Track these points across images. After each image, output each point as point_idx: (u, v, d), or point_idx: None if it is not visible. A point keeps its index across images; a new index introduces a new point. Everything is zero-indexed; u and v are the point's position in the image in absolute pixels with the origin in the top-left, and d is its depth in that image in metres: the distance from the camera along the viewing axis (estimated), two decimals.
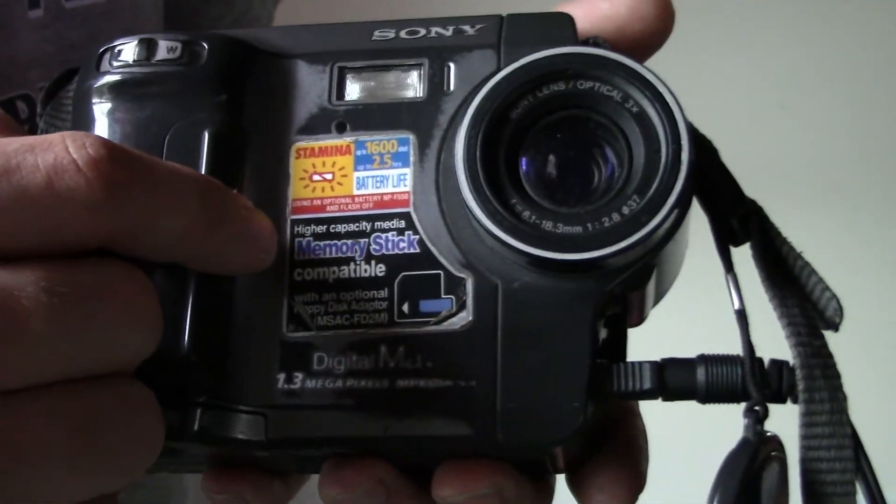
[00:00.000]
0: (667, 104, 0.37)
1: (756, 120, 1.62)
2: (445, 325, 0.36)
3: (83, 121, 0.38)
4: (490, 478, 0.37)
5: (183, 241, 0.34)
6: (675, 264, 0.40)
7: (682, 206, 0.36)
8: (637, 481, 0.39)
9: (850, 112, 1.63)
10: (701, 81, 1.60)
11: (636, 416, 0.41)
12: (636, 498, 0.39)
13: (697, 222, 0.39)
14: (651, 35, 0.40)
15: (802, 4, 1.65)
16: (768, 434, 0.36)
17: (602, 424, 0.40)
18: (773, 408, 0.37)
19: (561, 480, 0.41)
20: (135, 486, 0.35)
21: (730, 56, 1.64)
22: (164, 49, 0.38)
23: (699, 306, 0.38)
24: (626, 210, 0.36)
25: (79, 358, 0.31)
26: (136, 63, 0.38)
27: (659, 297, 0.40)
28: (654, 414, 0.44)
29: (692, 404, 0.39)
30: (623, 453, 0.39)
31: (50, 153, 0.31)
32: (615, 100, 0.37)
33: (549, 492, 0.41)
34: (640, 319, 0.40)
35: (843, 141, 1.63)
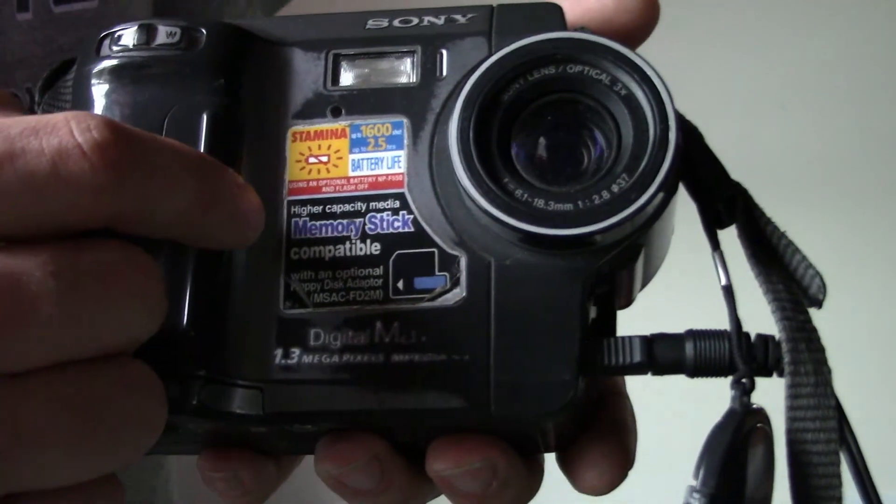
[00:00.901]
0: (654, 86, 0.38)
1: (756, 120, 1.63)
2: (439, 302, 0.37)
3: (83, 103, 0.39)
4: (483, 452, 0.37)
5: (182, 220, 0.34)
6: (662, 248, 0.41)
7: (670, 185, 0.37)
8: (625, 458, 0.40)
9: (851, 112, 1.64)
10: (701, 81, 1.62)
11: (624, 396, 0.42)
12: (625, 474, 0.40)
13: (684, 207, 0.40)
14: (636, 27, 0.41)
15: (803, 4, 1.67)
16: (755, 406, 0.37)
17: (591, 404, 0.40)
18: (760, 382, 0.38)
19: (551, 465, 0.42)
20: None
21: (730, 56, 1.66)
22: (163, 34, 0.39)
23: (689, 288, 0.39)
24: (615, 188, 0.37)
25: (84, 340, 0.32)
26: (136, 47, 0.39)
27: (646, 279, 0.41)
28: (645, 394, 0.45)
29: (681, 384, 0.40)
30: (611, 432, 0.40)
31: (54, 137, 0.31)
32: (604, 83, 0.38)
33: (540, 470, 0.41)
34: (628, 301, 0.41)
35: (843, 140, 1.64)
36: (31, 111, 0.42)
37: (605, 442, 0.40)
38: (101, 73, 0.39)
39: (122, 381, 0.33)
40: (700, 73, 1.63)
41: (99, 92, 0.39)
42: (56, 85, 0.42)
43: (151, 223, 0.33)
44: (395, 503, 0.40)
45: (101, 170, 0.31)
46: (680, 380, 0.39)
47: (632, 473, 0.40)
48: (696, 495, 0.34)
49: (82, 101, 0.39)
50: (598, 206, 0.37)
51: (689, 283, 0.38)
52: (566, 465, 0.40)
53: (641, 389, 0.43)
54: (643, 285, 0.41)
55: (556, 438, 0.40)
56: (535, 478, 0.41)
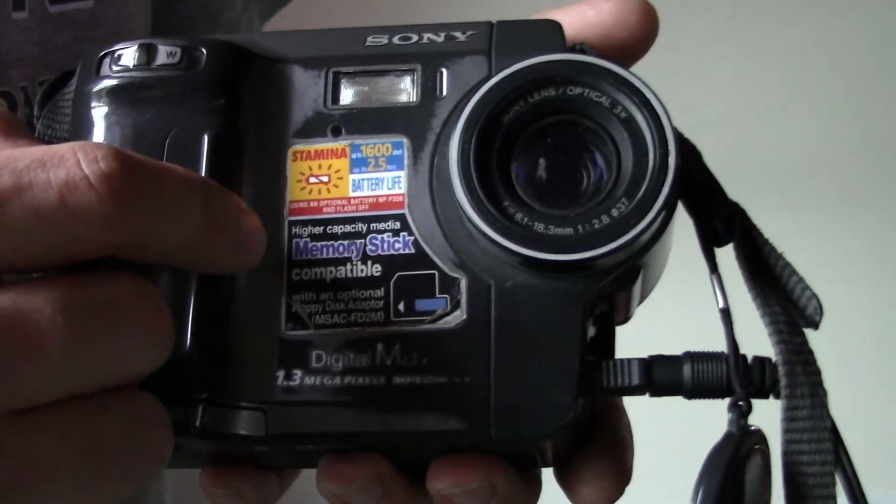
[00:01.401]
0: (654, 110, 0.38)
1: (756, 120, 1.64)
2: (440, 324, 0.37)
3: (83, 124, 0.39)
4: (483, 471, 0.38)
5: (187, 246, 0.34)
6: (660, 264, 0.41)
7: (669, 209, 0.37)
8: (623, 474, 0.40)
9: (851, 113, 1.64)
10: (701, 82, 1.63)
11: (621, 411, 0.43)
12: (622, 490, 0.40)
13: (682, 225, 0.40)
14: (635, 42, 0.41)
15: (803, 5, 1.67)
16: (752, 428, 0.37)
17: (589, 420, 0.41)
18: (758, 404, 0.38)
19: (548, 475, 0.42)
20: None
21: (730, 57, 1.66)
22: (163, 54, 0.39)
23: (686, 307, 0.40)
24: (615, 212, 0.37)
25: (91, 376, 0.32)
26: (136, 68, 0.39)
27: (644, 295, 0.42)
28: (642, 410, 0.45)
29: (679, 402, 0.40)
30: (609, 447, 0.41)
31: (62, 169, 0.31)
32: (604, 105, 0.38)
33: (538, 484, 0.42)
34: (626, 318, 0.42)
35: (843, 142, 1.65)
36: (28, 110, 0.42)
37: (602, 458, 0.40)
38: (100, 93, 0.39)
39: (129, 414, 0.33)
40: (700, 75, 1.63)
41: (99, 113, 0.39)
42: (55, 98, 0.42)
43: (157, 250, 0.34)
44: None
45: (109, 200, 0.31)
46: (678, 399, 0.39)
47: (629, 489, 0.41)
48: None
49: (82, 121, 0.39)
50: (598, 231, 0.37)
51: (687, 298, 0.39)
52: (564, 481, 0.41)
53: (640, 402, 0.43)
54: (641, 301, 0.42)
55: (553, 454, 0.40)
56: (532, 492, 0.41)
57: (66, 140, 0.40)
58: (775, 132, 1.64)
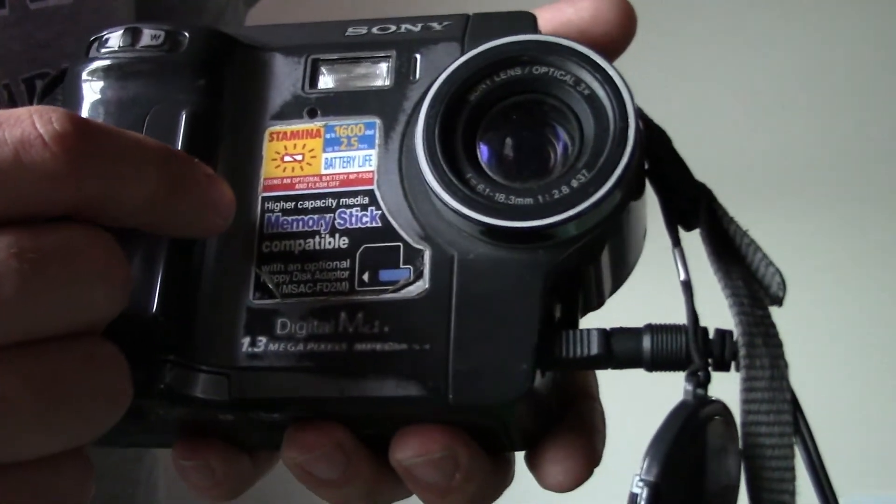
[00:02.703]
0: (616, 86, 0.39)
1: (756, 120, 1.63)
2: (403, 293, 0.38)
3: (73, 102, 0.41)
4: (445, 441, 0.38)
5: (145, 209, 0.35)
6: (632, 250, 0.41)
7: (629, 180, 0.38)
8: (591, 457, 0.40)
9: (851, 112, 1.64)
10: (702, 82, 1.63)
11: (594, 400, 0.43)
12: (590, 472, 0.40)
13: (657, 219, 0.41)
14: (613, 38, 0.42)
15: (803, 5, 1.67)
16: (711, 398, 0.37)
17: (556, 403, 0.41)
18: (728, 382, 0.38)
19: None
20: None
21: (730, 56, 1.66)
22: (147, 36, 0.41)
23: (664, 289, 0.40)
24: (574, 183, 0.38)
25: (47, 319, 0.33)
26: (122, 49, 0.41)
27: (617, 281, 0.42)
28: (618, 402, 0.45)
29: (662, 393, 0.40)
30: (578, 430, 0.41)
31: (17, 128, 0.33)
32: (568, 83, 0.39)
33: (508, 470, 0.42)
34: (599, 302, 0.42)
35: (843, 140, 1.63)
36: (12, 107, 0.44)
37: (570, 439, 0.40)
38: (88, 73, 0.41)
39: (87, 357, 0.34)
40: (700, 74, 1.63)
41: (87, 91, 0.41)
42: (54, 93, 0.44)
43: (115, 211, 0.35)
44: (361, 496, 0.40)
45: (62, 158, 0.32)
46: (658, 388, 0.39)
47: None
48: (640, 483, 0.35)
49: (72, 100, 0.41)
50: (557, 200, 0.37)
51: (665, 285, 0.39)
52: (532, 463, 0.41)
53: (617, 388, 0.43)
54: (614, 286, 0.42)
55: (521, 436, 0.40)
56: (501, 476, 0.41)
57: None
58: (775, 132, 1.63)
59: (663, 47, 1.55)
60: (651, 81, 1.55)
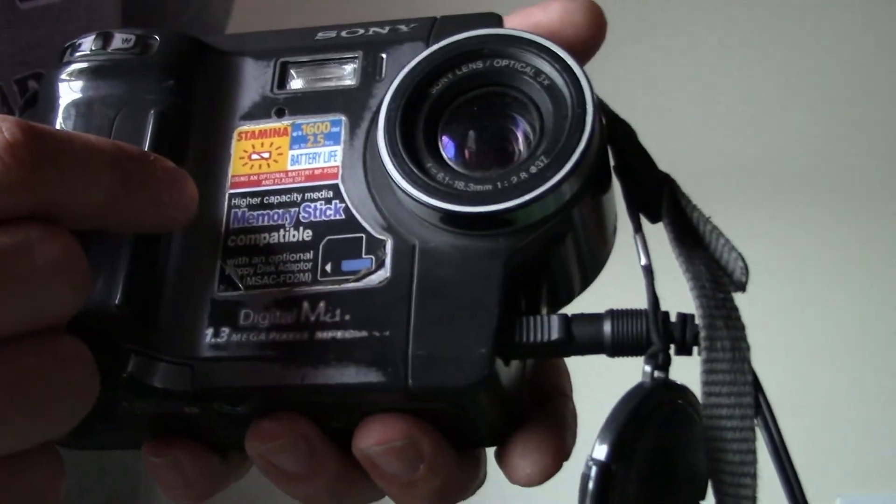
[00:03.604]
0: (574, 75, 0.39)
1: (756, 120, 1.62)
2: (364, 282, 0.38)
3: (48, 105, 0.42)
4: (407, 430, 0.38)
5: (102, 210, 0.36)
6: (598, 244, 0.41)
7: (590, 167, 0.38)
8: (560, 451, 0.40)
9: (850, 111, 1.63)
10: (701, 82, 1.62)
11: (566, 397, 0.42)
12: (558, 466, 0.40)
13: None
14: (583, 41, 0.42)
15: (803, 4, 1.67)
16: (676, 383, 0.37)
17: (529, 401, 0.41)
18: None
19: None
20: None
21: (730, 56, 1.65)
22: (118, 40, 0.42)
23: (635, 290, 0.40)
24: (533, 169, 0.38)
25: (6, 318, 0.33)
26: (94, 52, 0.42)
27: (585, 276, 0.42)
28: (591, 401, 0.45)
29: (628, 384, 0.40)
30: (547, 425, 0.40)
31: None
32: (528, 75, 0.40)
33: (477, 467, 0.41)
34: (567, 297, 0.42)
35: (843, 140, 1.62)
36: (6, 108, 0.45)
37: (539, 433, 0.40)
38: (63, 76, 0.42)
39: (52, 353, 0.34)
40: (700, 73, 1.63)
41: (61, 93, 0.42)
42: (36, 107, 0.45)
43: (73, 214, 0.35)
44: (328, 492, 0.40)
45: (13, 167, 0.33)
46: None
47: None
48: (589, 463, 0.34)
49: (48, 103, 0.42)
50: (515, 185, 0.38)
51: (637, 278, 0.39)
52: (500, 457, 0.40)
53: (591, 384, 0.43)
54: (583, 282, 0.42)
55: (489, 429, 0.40)
56: (469, 473, 0.41)
57: None
58: (775, 132, 1.62)
59: (664, 47, 1.57)
60: (652, 81, 1.56)
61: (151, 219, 0.37)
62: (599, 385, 0.39)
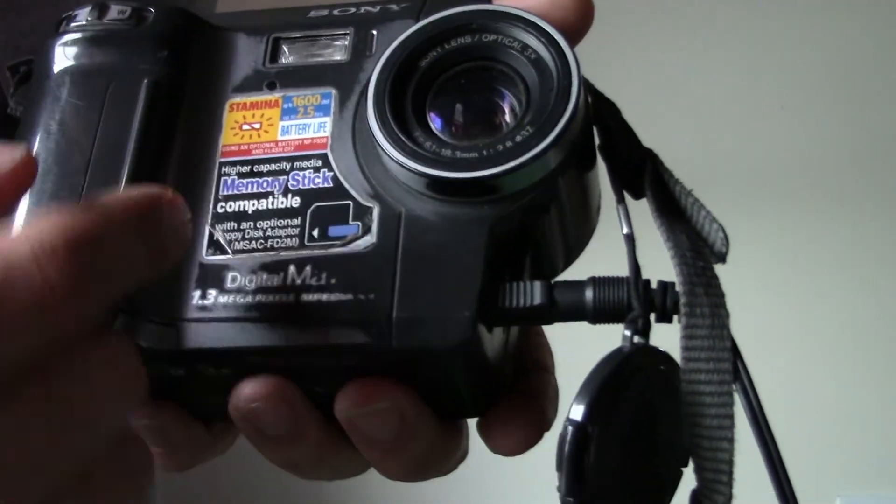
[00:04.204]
0: (561, 49, 0.40)
1: (756, 120, 1.63)
2: (350, 247, 0.39)
3: (43, 72, 0.43)
4: (389, 393, 0.38)
5: (146, 276, 0.35)
6: (583, 218, 0.42)
7: (575, 140, 0.39)
8: (541, 422, 0.40)
9: (850, 112, 1.63)
10: (701, 82, 1.63)
11: (549, 373, 0.43)
12: (539, 437, 0.40)
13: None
14: (571, 23, 0.43)
15: (802, 5, 1.67)
16: (657, 349, 0.37)
17: (512, 375, 0.41)
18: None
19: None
20: None
21: (730, 56, 1.66)
22: (114, 11, 0.43)
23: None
24: (518, 138, 0.39)
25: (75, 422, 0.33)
26: (89, 23, 0.43)
27: (569, 252, 0.42)
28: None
29: None
30: (530, 398, 0.41)
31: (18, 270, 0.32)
32: (516, 49, 0.40)
33: (459, 438, 0.42)
34: (551, 271, 0.42)
35: (842, 140, 1.62)
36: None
37: (520, 405, 0.40)
38: (59, 45, 0.43)
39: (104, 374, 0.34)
40: (700, 73, 1.63)
41: (55, 60, 0.42)
42: (30, 82, 0.46)
43: (122, 292, 0.34)
44: (308, 456, 0.40)
45: (64, 292, 0.32)
46: None
47: None
48: (567, 425, 0.35)
49: (42, 71, 0.43)
50: (500, 153, 0.38)
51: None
52: (482, 427, 0.41)
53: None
54: (567, 256, 0.43)
55: (472, 398, 0.40)
56: (450, 443, 0.41)
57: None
58: (774, 132, 1.62)
59: (663, 47, 1.57)
60: (652, 82, 1.56)
61: (175, 255, 0.36)
62: (583, 360, 0.39)
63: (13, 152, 0.35)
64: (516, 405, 0.41)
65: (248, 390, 0.39)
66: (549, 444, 0.40)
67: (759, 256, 1.53)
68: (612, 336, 0.39)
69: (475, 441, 0.42)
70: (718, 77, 1.64)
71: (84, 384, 0.33)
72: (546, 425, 0.41)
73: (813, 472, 1.48)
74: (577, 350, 0.47)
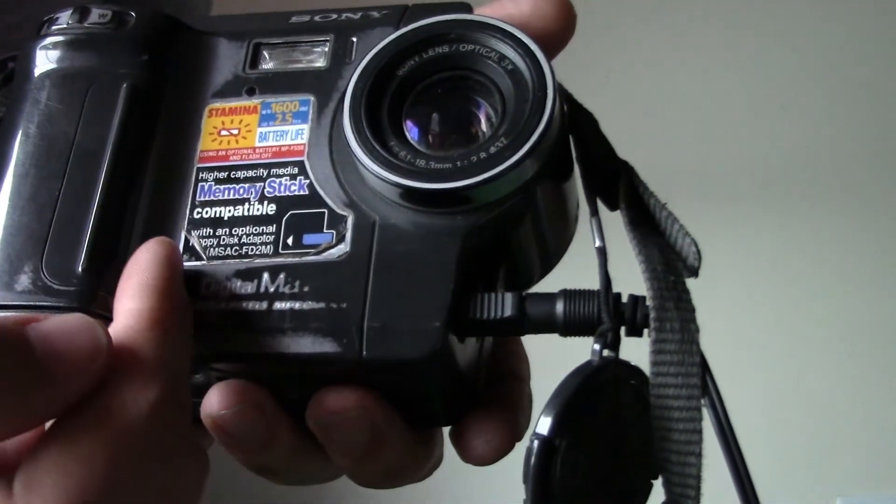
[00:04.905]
0: (537, 61, 0.40)
1: (756, 120, 1.62)
2: (324, 256, 0.39)
3: (24, 75, 0.43)
4: (360, 401, 0.38)
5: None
6: (558, 229, 0.42)
7: (549, 151, 0.39)
8: (513, 430, 0.40)
9: (850, 111, 1.63)
10: (701, 82, 1.63)
11: (523, 382, 0.43)
12: (511, 446, 0.40)
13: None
14: (552, 33, 0.43)
15: (802, 4, 1.67)
16: (627, 363, 0.37)
17: (486, 384, 0.42)
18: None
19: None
20: None
21: (730, 56, 1.65)
22: (95, 15, 0.43)
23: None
24: (493, 149, 0.39)
25: None
26: (70, 26, 0.43)
27: (545, 261, 0.42)
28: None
29: None
30: (503, 407, 0.41)
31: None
32: (493, 59, 0.40)
33: (431, 446, 0.42)
34: (526, 282, 0.42)
35: (842, 140, 1.62)
36: None
37: (493, 413, 0.40)
38: (40, 48, 0.43)
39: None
40: (700, 74, 1.63)
41: (36, 63, 0.43)
42: (11, 84, 0.46)
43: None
44: (281, 462, 0.41)
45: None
46: None
47: None
48: (534, 438, 0.35)
49: (23, 73, 0.43)
50: (474, 164, 0.38)
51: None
52: (454, 435, 0.41)
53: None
54: (543, 267, 0.43)
55: (445, 408, 0.41)
56: (423, 450, 0.41)
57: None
58: (774, 131, 1.62)
59: (663, 47, 1.57)
60: (653, 79, 1.55)
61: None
62: (561, 367, 0.39)
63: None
64: (489, 415, 0.41)
65: (219, 396, 0.39)
66: (521, 453, 0.41)
67: (761, 255, 1.53)
68: (590, 341, 0.39)
69: (450, 447, 0.42)
70: (718, 77, 1.64)
71: None
72: (518, 435, 0.41)
73: (813, 473, 1.49)
74: (555, 357, 0.47)
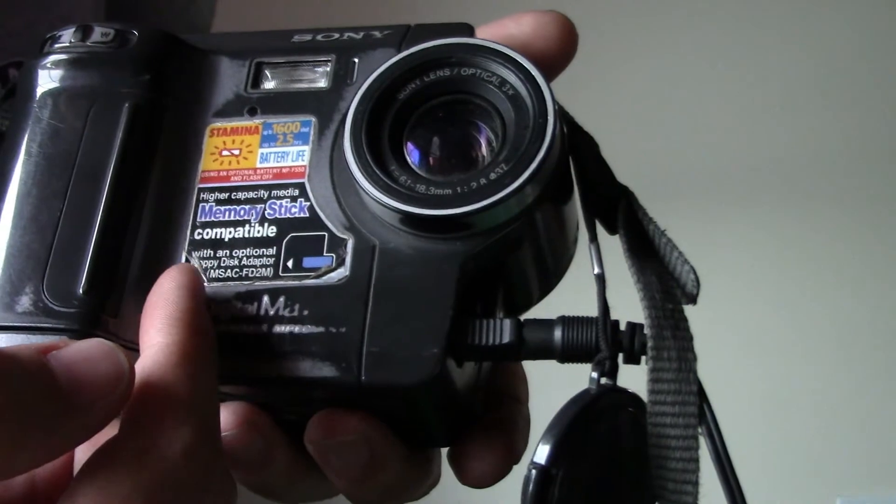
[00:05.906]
0: (538, 85, 0.40)
1: (756, 120, 1.62)
2: (324, 279, 0.39)
3: (26, 94, 0.43)
4: (358, 425, 0.39)
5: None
6: (558, 252, 0.42)
7: (549, 176, 0.39)
8: (511, 453, 0.41)
9: (850, 112, 1.63)
10: (701, 82, 1.63)
11: (521, 403, 0.43)
12: (508, 469, 0.41)
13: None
14: (554, 53, 0.43)
15: (802, 5, 1.67)
16: (625, 390, 0.38)
17: (484, 406, 0.42)
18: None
19: None
20: None
21: (730, 56, 1.66)
22: (98, 33, 0.43)
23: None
24: (493, 175, 0.39)
25: None
26: (73, 44, 0.43)
27: (545, 284, 0.43)
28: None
29: None
30: (499, 428, 0.41)
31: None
32: (494, 84, 0.40)
33: (429, 468, 0.42)
34: (525, 304, 0.43)
35: (842, 140, 1.62)
36: None
37: (490, 436, 0.41)
38: (41, 66, 0.43)
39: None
40: (700, 74, 1.63)
41: (38, 82, 0.43)
42: (13, 98, 0.46)
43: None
44: (278, 481, 0.41)
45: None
46: None
47: None
48: (531, 467, 0.35)
49: (25, 92, 0.43)
50: (475, 190, 0.38)
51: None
52: (452, 458, 0.41)
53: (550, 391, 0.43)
54: (542, 289, 0.43)
55: (443, 430, 0.41)
56: (420, 471, 0.41)
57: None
58: (774, 131, 1.62)
59: (663, 47, 1.57)
60: (653, 78, 1.55)
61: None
62: (558, 392, 0.39)
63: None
64: (486, 437, 0.41)
65: (220, 419, 0.39)
66: (520, 475, 0.41)
67: (761, 256, 1.53)
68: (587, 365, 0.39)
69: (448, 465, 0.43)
70: (718, 77, 1.64)
71: None
72: (515, 457, 0.41)
73: (813, 473, 1.49)
74: (554, 376, 0.47)
